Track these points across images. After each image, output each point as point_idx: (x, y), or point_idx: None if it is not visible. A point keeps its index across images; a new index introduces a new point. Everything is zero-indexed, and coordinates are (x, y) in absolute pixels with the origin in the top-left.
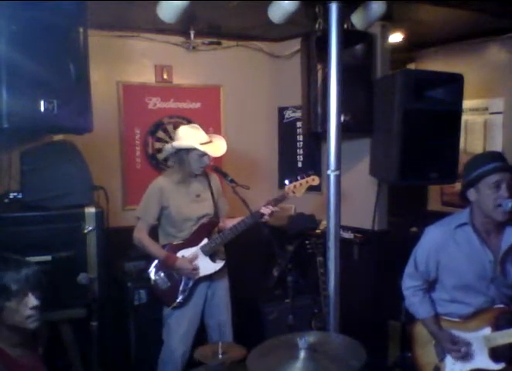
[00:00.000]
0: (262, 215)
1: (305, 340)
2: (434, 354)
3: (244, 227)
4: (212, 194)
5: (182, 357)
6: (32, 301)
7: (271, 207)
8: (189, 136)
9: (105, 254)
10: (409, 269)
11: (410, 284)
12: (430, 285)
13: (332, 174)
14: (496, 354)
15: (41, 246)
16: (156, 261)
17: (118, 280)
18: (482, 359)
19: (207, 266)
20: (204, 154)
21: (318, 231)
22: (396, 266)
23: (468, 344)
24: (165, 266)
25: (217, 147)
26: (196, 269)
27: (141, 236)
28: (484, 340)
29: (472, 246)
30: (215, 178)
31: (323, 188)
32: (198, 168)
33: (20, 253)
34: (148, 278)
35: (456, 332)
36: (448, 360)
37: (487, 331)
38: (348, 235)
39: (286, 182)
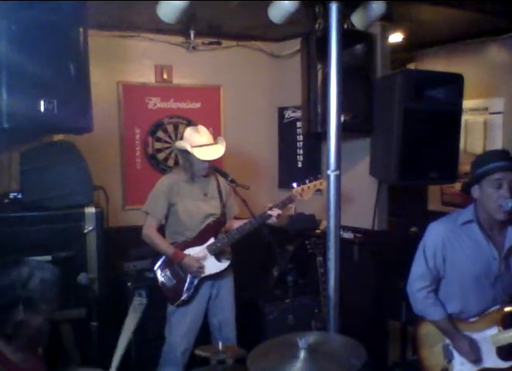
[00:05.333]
0: (269, 216)
1: (305, 340)
2: (441, 355)
3: (251, 228)
4: (220, 194)
5: (184, 355)
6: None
7: (278, 210)
8: (189, 137)
9: (105, 254)
10: (418, 269)
11: (421, 285)
12: (438, 286)
13: (332, 174)
14: (503, 352)
15: (41, 246)
16: (162, 259)
17: (118, 280)
18: (490, 358)
19: (213, 265)
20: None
21: (318, 231)
22: (396, 266)
23: (477, 345)
24: (172, 262)
25: (212, 150)
26: (201, 268)
27: (150, 231)
28: (491, 339)
29: (478, 244)
30: (224, 179)
31: (323, 189)
32: (200, 170)
33: (20, 253)
34: (151, 277)
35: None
36: (456, 361)
37: (494, 330)
38: (348, 235)
39: (294, 185)
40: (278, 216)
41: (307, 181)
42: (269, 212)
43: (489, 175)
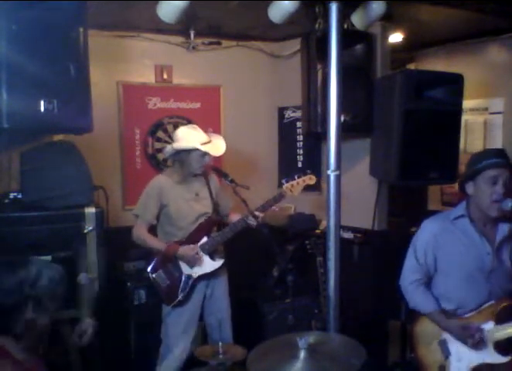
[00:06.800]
0: (255, 217)
1: (305, 340)
2: (439, 352)
3: (244, 225)
4: (210, 193)
5: (181, 355)
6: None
7: (258, 213)
8: (189, 137)
9: (105, 254)
10: (409, 262)
11: (412, 278)
12: (429, 280)
13: (332, 174)
14: (501, 347)
15: (41, 246)
16: (154, 261)
17: (118, 280)
18: (487, 352)
19: (207, 264)
20: (205, 153)
21: (318, 231)
22: (396, 266)
23: (480, 330)
24: (166, 258)
25: (217, 146)
26: (198, 254)
27: (140, 232)
28: (488, 334)
29: (471, 238)
30: (213, 178)
31: (323, 189)
32: (199, 168)
33: (20, 253)
34: (148, 277)
35: None
36: (453, 357)
37: (490, 325)
38: (348, 235)
39: (283, 181)
40: (272, 211)
41: (296, 176)
42: (256, 213)
43: (484, 172)
